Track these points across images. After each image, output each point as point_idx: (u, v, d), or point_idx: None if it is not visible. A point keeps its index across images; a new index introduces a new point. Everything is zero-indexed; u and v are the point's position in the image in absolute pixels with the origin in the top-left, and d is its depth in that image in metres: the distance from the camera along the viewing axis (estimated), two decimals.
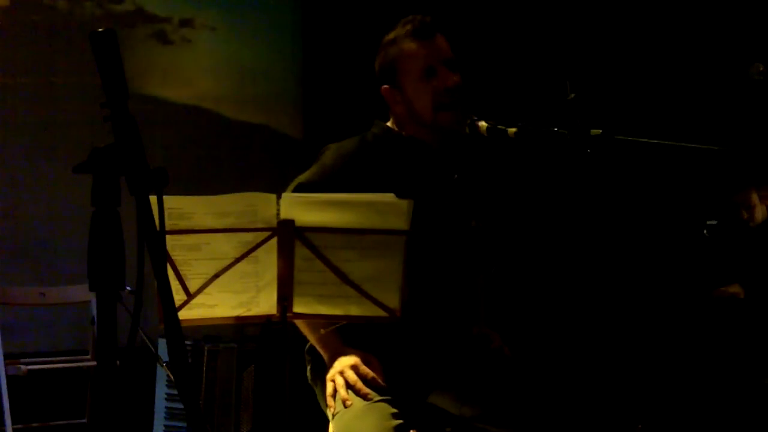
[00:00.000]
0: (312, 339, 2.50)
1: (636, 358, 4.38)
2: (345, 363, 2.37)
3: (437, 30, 2.58)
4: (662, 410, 4.21)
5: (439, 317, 2.56)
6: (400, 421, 2.27)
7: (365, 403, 2.31)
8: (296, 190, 2.49)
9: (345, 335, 2.44)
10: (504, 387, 2.43)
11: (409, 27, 2.56)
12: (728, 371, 4.22)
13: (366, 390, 2.33)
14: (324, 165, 2.54)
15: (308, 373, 2.59)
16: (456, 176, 2.64)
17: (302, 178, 2.53)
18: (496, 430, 2.38)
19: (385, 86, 2.60)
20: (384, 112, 2.68)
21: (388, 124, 2.65)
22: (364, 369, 2.36)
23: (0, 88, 4.96)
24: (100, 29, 1.49)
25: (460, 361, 2.52)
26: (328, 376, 2.39)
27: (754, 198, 4.53)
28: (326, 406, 2.40)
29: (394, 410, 2.30)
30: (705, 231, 4.47)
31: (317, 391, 2.54)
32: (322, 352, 2.47)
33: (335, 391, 2.35)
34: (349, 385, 2.34)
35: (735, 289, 4.44)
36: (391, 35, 2.59)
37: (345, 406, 2.31)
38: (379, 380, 2.35)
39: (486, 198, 2.75)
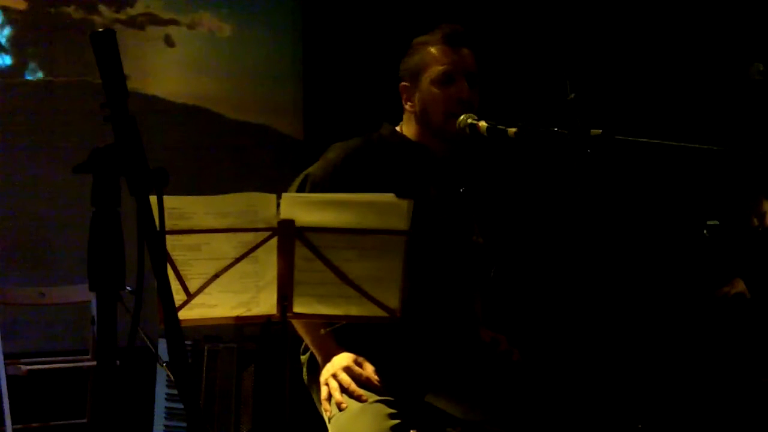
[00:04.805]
0: (308, 340, 2.50)
1: (636, 359, 4.37)
2: (337, 365, 2.38)
3: (467, 43, 2.60)
4: (662, 410, 4.21)
5: (436, 319, 2.56)
6: (397, 422, 2.27)
7: (361, 404, 2.31)
8: (304, 181, 2.51)
9: (343, 336, 2.44)
10: (511, 390, 2.44)
11: (441, 32, 2.59)
12: (728, 371, 4.22)
13: (360, 391, 2.33)
14: (328, 160, 2.55)
15: (304, 377, 2.60)
16: (462, 189, 2.64)
17: (309, 170, 2.54)
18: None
19: (404, 83, 2.62)
20: (390, 114, 2.68)
21: (398, 128, 2.66)
22: (357, 370, 2.36)
23: (0, 88, 4.96)
24: (100, 29, 1.50)
25: (464, 364, 2.52)
26: (321, 380, 2.40)
27: (766, 205, 4.48)
28: (323, 409, 2.40)
29: (391, 411, 2.30)
30: (705, 231, 4.45)
31: (314, 395, 2.54)
32: (316, 354, 2.47)
33: (330, 394, 2.35)
34: (343, 388, 2.34)
35: (739, 288, 4.42)
36: (424, 38, 2.63)
37: (340, 409, 2.31)
38: (373, 381, 2.35)
39: (489, 212, 2.76)
